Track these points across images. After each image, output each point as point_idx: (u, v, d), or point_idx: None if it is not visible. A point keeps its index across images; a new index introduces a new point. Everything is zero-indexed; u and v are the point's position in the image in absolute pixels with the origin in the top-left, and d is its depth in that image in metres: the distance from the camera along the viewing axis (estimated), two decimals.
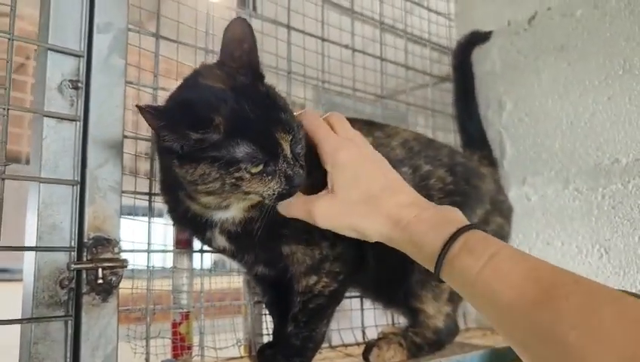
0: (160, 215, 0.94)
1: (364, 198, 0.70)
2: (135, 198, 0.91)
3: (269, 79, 0.76)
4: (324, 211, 0.71)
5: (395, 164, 0.92)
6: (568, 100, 1.25)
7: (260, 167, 0.66)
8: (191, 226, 0.82)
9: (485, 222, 1.01)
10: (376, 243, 0.88)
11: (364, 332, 1.15)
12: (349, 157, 0.72)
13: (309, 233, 0.80)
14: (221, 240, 0.81)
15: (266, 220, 0.74)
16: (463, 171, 1.00)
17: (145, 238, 0.91)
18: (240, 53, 0.71)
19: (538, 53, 1.32)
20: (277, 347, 0.86)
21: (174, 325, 0.97)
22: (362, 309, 1.15)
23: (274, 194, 0.68)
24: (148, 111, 0.63)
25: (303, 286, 0.83)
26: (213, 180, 0.66)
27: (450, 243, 0.62)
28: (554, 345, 0.48)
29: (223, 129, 0.64)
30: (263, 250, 0.82)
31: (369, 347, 0.94)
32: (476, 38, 1.40)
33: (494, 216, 1.04)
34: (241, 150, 0.64)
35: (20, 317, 0.74)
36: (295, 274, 0.83)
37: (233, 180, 0.66)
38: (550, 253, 1.25)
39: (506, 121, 1.37)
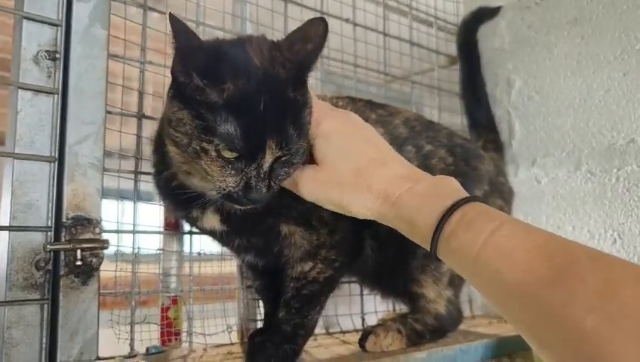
0: (149, 198, 0.90)
1: (352, 171, 0.63)
2: (120, 178, 0.86)
3: None
4: (309, 183, 0.65)
5: (400, 142, 0.89)
6: (581, 77, 1.18)
7: (232, 156, 0.60)
8: (174, 198, 0.75)
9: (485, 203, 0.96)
10: (375, 231, 0.84)
11: (363, 319, 1.10)
12: (335, 126, 0.66)
13: (309, 216, 0.76)
14: (213, 221, 0.75)
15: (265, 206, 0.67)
16: (462, 152, 0.96)
17: (131, 220, 0.87)
18: (299, 48, 0.63)
19: (550, 28, 1.25)
20: (267, 333, 0.82)
21: (163, 310, 0.93)
22: (362, 295, 1.11)
23: (224, 190, 0.61)
24: (179, 30, 0.58)
25: (297, 272, 0.79)
26: (183, 133, 0.60)
27: (445, 218, 0.56)
28: (567, 330, 0.42)
29: (224, 97, 0.58)
30: (259, 230, 0.77)
31: (366, 334, 0.90)
32: (483, 15, 1.34)
33: (494, 198, 1.00)
34: (226, 128, 0.58)
35: None
36: (290, 258, 0.79)
37: (198, 147, 0.59)
38: None
39: (515, 99, 1.31)
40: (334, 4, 1.16)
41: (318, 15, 1.13)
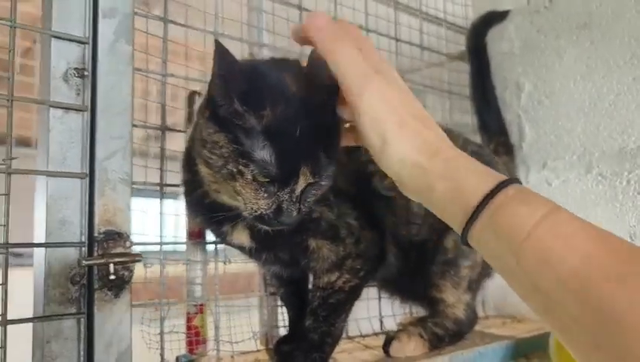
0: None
1: (410, 116, 0.56)
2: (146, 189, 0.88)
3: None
4: (375, 96, 0.56)
5: None
6: (591, 81, 1.20)
7: (266, 180, 0.61)
8: (206, 214, 0.77)
9: None
10: (398, 239, 0.86)
11: (381, 322, 1.12)
12: (378, 99, 0.57)
13: (337, 227, 0.78)
14: (242, 236, 0.77)
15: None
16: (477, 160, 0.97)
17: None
18: (331, 74, 0.61)
19: (559, 32, 1.27)
20: (294, 342, 0.83)
21: (189, 319, 0.95)
22: (380, 298, 1.13)
23: (256, 211, 0.63)
24: (222, 54, 0.59)
25: (324, 283, 0.81)
26: (219, 155, 0.62)
27: (501, 188, 0.50)
28: (628, 334, 0.38)
29: (263, 123, 0.59)
30: (287, 245, 0.79)
31: (389, 339, 0.92)
32: (492, 19, 1.35)
33: None
34: (262, 154, 0.59)
35: (31, 316, 0.72)
36: (317, 270, 0.81)
37: (234, 170, 0.61)
38: None
39: (525, 103, 1.32)
40: (347, 10, 1.18)
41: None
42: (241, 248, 0.81)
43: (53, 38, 0.75)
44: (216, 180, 0.66)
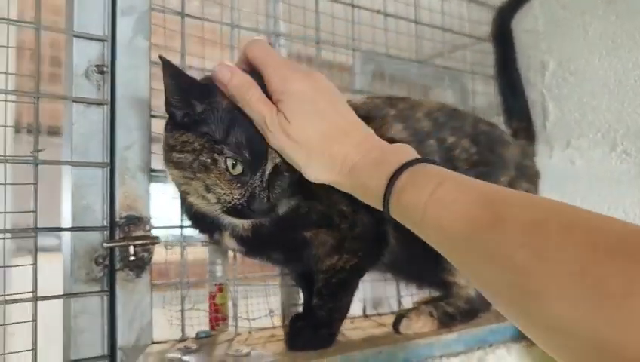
0: None
1: (319, 136, 0.64)
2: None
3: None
4: (278, 132, 0.64)
5: (422, 137, 0.91)
6: (616, 56, 1.17)
7: (239, 171, 0.66)
8: (197, 224, 0.83)
9: (511, 188, 0.99)
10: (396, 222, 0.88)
11: (399, 302, 1.15)
12: (305, 88, 0.65)
13: (329, 214, 0.81)
14: (231, 243, 0.82)
15: (283, 219, 0.75)
16: (486, 140, 0.98)
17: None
18: None
19: (584, 7, 1.24)
20: (305, 319, 0.88)
21: (211, 297, 1.01)
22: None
23: (230, 202, 0.67)
24: (167, 67, 0.65)
25: (325, 266, 0.84)
26: (190, 151, 0.66)
27: (395, 177, 0.58)
28: (503, 268, 0.45)
29: (225, 105, 0.65)
30: (279, 246, 0.84)
31: (399, 317, 0.95)
32: (518, 2, 1.33)
33: (520, 182, 1.02)
34: (233, 136, 0.64)
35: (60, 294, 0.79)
36: (318, 256, 0.84)
37: (208, 160, 0.65)
38: None
39: (549, 81, 1.30)
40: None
41: (349, 9, 1.16)
42: (236, 251, 0.86)
43: (75, 38, 0.81)
44: (185, 180, 0.70)
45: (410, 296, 1.16)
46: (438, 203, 0.54)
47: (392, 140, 0.88)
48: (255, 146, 0.65)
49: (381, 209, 0.61)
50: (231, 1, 1.03)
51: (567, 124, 1.26)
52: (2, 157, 0.76)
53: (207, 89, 0.67)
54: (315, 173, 0.66)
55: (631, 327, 0.36)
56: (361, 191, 0.64)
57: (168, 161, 0.71)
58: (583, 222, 0.44)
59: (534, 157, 1.19)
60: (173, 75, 0.66)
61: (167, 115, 0.87)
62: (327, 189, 0.69)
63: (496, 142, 1.01)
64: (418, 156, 0.62)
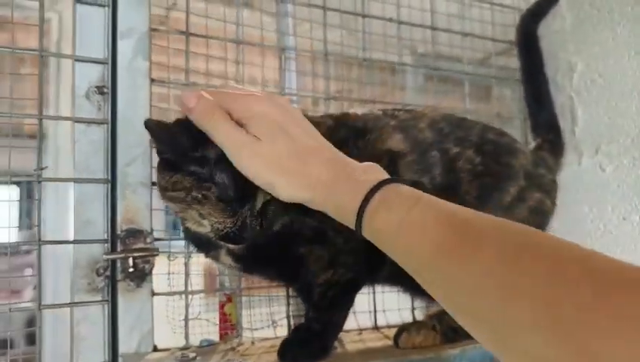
0: None
1: (291, 154, 0.63)
2: None
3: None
4: (245, 153, 0.63)
5: (424, 147, 0.89)
6: None
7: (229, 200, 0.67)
8: (194, 242, 0.85)
9: (521, 198, 0.94)
10: None
11: (413, 313, 1.13)
12: (269, 109, 0.65)
13: (323, 229, 0.81)
14: (227, 260, 0.83)
15: (277, 236, 0.75)
16: (492, 149, 0.94)
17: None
18: None
19: (613, 5, 1.17)
20: (298, 331, 0.88)
21: (221, 306, 1.04)
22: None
23: (223, 230, 0.68)
24: (155, 131, 0.67)
25: (321, 279, 0.83)
26: (181, 188, 0.67)
27: (367, 199, 0.58)
28: (470, 294, 0.46)
29: (216, 152, 0.65)
30: (273, 263, 0.85)
31: (400, 330, 0.93)
32: (543, 8, 1.27)
33: (531, 192, 0.96)
34: (222, 176, 0.65)
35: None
36: (314, 271, 0.84)
37: (199, 196, 0.66)
38: (627, 228, 1.12)
39: (577, 84, 1.24)
40: (375, 4, 1.18)
41: (359, 19, 1.16)
42: (232, 267, 0.88)
43: (76, 62, 0.86)
44: (181, 209, 0.71)
45: (426, 307, 1.13)
46: (409, 226, 0.54)
47: (389, 151, 0.88)
48: (238, 183, 0.65)
49: (353, 228, 0.61)
50: (236, 18, 1.05)
51: (597, 129, 1.20)
52: (7, 173, 0.81)
53: (200, 136, 0.66)
54: (288, 191, 0.64)
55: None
56: (334, 209, 0.64)
57: (163, 197, 0.73)
58: (550, 251, 0.44)
59: (557, 171, 1.11)
60: (157, 133, 0.68)
61: None
62: None
63: (504, 151, 0.97)
64: (388, 176, 0.62)
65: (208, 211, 0.68)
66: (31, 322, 0.85)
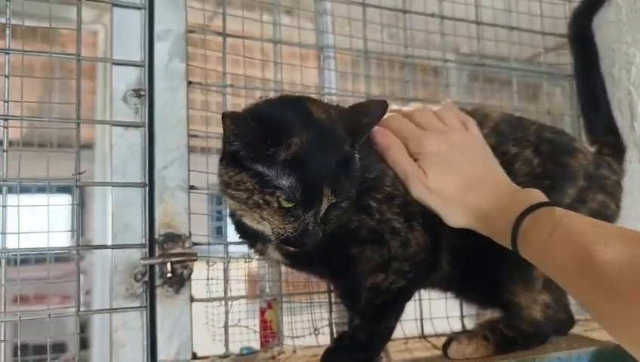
0: None
1: (456, 188, 0.76)
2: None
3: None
4: (418, 186, 0.77)
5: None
6: None
7: (291, 205, 0.66)
8: (243, 234, 0.83)
9: (581, 200, 0.88)
10: (452, 246, 0.83)
11: (462, 321, 1.07)
12: (437, 146, 0.78)
13: (378, 233, 0.79)
14: (275, 255, 0.81)
15: (331, 234, 0.73)
16: (550, 149, 0.90)
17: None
18: (356, 117, 0.74)
19: None
20: (342, 339, 0.84)
21: (261, 312, 1.01)
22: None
23: (283, 235, 0.68)
24: (232, 121, 0.66)
25: (370, 283, 0.80)
26: (244, 190, 0.68)
27: (518, 223, 0.68)
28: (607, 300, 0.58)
29: (290, 152, 0.66)
30: (324, 260, 0.82)
31: (449, 340, 0.88)
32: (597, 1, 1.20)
33: (593, 193, 0.90)
34: (286, 181, 0.65)
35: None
36: (363, 272, 0.81)
37: (260, 201, 0.67)
38: None
39: (636, 77, 1.15)
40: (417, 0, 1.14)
41: (400, 15, 1.12)
42: (279, 262, 0.85)
43: (114, 65, 0.86)
44: (242, 210, 0.72)
45: (476, 315, 1.08)
46: (553, 245, 0.64)
47: None
48: (309, 188, 0.66)
49: (512, 249, 0.70)
50: (273, 18, 1.03)
51: None
52: (45, 179, 0.81)
53: (282, 130, 0.67)
54: (453, 219, 0.77)
55: None
56: (494, 235, 0.74)
57: (224, 193, 0.73)
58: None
59: (621, 174, 1.03)
60: (234, 120, 0.66)
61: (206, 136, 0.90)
62: (385, 206, 0.76)
63: (561, 151, 0.92)
64: (540, 201, 0.70)
65: (268, 216, 0.68)
66: (84, 327, 0.84)
